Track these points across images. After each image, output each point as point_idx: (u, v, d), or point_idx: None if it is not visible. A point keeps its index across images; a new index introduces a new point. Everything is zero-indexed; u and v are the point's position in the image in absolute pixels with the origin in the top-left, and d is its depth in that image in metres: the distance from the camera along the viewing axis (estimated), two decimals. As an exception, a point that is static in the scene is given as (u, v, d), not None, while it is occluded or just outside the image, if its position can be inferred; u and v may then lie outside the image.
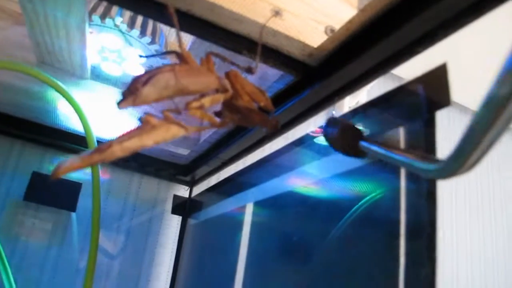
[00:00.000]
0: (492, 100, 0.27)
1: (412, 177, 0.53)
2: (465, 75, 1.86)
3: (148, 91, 0.44)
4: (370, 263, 0.58)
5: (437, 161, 0.36)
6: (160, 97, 0.44)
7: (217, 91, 0.50)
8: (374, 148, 0.50)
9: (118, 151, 0.40)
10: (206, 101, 0.48)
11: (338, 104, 0.81)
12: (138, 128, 0.42)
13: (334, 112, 0.98)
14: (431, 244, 0.44)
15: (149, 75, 0.45)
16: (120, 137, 0.41)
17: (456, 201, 2.16)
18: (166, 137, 0.43)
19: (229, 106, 0.51)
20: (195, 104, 0.48)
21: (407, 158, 0.41)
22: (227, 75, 0.52)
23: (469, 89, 2.06)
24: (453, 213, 2.14)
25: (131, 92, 0.43)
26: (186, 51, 0.50)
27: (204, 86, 0.48)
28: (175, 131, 0.44)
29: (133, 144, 0.41)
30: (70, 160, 0.39)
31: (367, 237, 0.60)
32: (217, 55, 0.54)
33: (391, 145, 0.49)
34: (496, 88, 0.27)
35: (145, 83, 0.44)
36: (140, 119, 0.44)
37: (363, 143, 0.54)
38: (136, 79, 0.44)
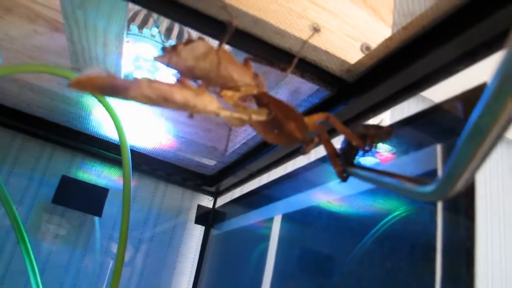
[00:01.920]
0: (477, 126, 0.28)
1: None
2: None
3: (186, 54, 0.44)
4: (404, 280, 0.58)
5: (427, 183, 0.37)
6: (195, 66, 0.44)
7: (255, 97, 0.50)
8: (363, 173, 0.50)
9: (145, 87, 0.39)
10: (239, 91, 0.48)
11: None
12: (172, 83, 0.42)
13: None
14: (469, 260, 0.45)
15: (191, 40, 0.45)
16: (153, 80, 0.40)
17: (491, 217, 2.14)
18: (196, 101, 0.42)
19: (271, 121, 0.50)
20: (228, 93, 0.47)
21: (398, 182, 0.42)
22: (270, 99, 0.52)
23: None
24: (488, 230, 2.11)
25: (172, 50, 0.44)
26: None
27: (239, 77, 0.48)
28: (207, 100, 0.43)
29: (162, 89, 0.40)
30: (97, 71, 0.37)
31: (401, 252, 0.61)
32: (254, 60, 0.55)
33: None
34: (481, 113, 0.28)
35: (186, 44, 0.45)
36: (178, 79, 0.44)
37: (351, 169, 0.54)
38: (180, 42, 0.45)
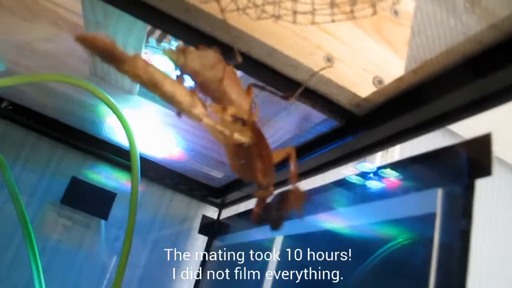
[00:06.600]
0: None
1: (445, 230, 0.54)
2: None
3: (194, 58, 0.45)
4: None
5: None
6: (199, 73, 0.45)
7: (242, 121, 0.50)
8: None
9: (140, 67, 0.40)
10: (230, 109, 0.48)
11: (370, 157, 0.82)
12: (167, 75, 0.43)
13: (365, 163, 0.99)
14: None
15: (204, 48, 0.46)
16: (151, 64, 0.41)
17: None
18: (184, 99, 0.43)
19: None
20: (218, 106, 0.48)
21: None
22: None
23: None
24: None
25: (183, 50, 0.45)
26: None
27: (237, 99, 0.49)
28: (194, 103, 0.44)
29: (156, 76, 0.41)
30: (103, 35, 0.39)
31: (399, 279, 0.61)
32: (257, 86, 0.56)
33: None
34: None
35: (198, 49, 0.46)
36: (177, 76, 0.45)
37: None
38: (195, 46, 0.46)
